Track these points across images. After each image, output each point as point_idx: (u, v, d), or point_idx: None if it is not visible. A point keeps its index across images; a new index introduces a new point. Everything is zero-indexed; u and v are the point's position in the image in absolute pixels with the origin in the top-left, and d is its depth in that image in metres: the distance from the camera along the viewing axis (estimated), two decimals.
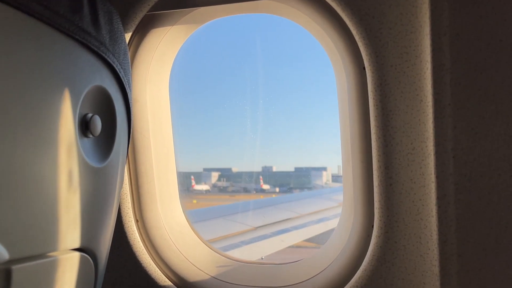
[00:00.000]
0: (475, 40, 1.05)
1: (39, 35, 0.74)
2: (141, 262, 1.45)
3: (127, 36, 1.35)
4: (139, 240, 1.47)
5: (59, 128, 0.78)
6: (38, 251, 0.77)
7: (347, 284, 1.31)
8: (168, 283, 1.46)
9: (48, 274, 0.81)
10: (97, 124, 0.90)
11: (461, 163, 1.09)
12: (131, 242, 1.44)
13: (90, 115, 0.88)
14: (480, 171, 1.08)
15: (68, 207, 0.82)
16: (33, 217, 0.74)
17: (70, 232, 0.84)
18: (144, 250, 1.47)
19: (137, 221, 1.49)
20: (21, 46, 0.69)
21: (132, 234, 1.44)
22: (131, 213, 1.46)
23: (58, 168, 0.78)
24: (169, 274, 1.49)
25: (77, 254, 0.89)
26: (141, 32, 1.39)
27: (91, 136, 0.89)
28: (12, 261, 0.70)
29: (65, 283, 0.85)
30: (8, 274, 0.70)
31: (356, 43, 1.23)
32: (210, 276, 1.50)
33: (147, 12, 1.32)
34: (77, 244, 0.88)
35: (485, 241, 1.10)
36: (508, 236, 1.08)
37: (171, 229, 1.55)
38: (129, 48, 1.38)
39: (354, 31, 1.19)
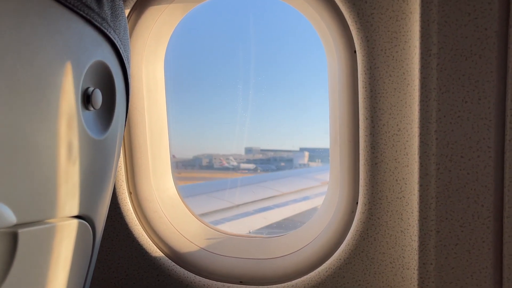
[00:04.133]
0: (461, 28, 1.10)
1: (45, 9, 0.75)
2: (133, 232, 1.49)
3: (126, 13, 1.36)
4: (132, 212, 1.51)
5: (63, 100, 0.81)
6: (42, 217, 0.80)
7: (331, 257, 1.38)
8: (159, 253, 1.51)
9: (51, 238, 0.84)
10: (98, 97, 0.92)
11: (443, 144, 1.14)
12: (124, 214, 1.48)
13: (91, 88, 0.91)
14: (460, 152, 1.14)
15: (69, 176, 0.86)
16: (38, 184, 0.77)
17: (70, 200, 0.88)
18: (137, 221, 1.51)
19: (130, 193, 1.53)
20: (28, 19, 0.71)
21: (125, 205, 1.48)
22: (125, 185, 1.50)
23: (61, 138, 0.81)
24: (160, 244, 1.54)
25: (76, 221, 0.92)
26: (139, 9, 1.40)
27: (92, 109, 0.92)
28: (19, 225, 0.74)
29: (66, 247, 0.89)
30: (15, 237, 0.74)
31: (348, 27, 1.27)
32: (199, 248, 1.55)
33: None
34: (76, 212, 0.91)
35: (462, 218, 1.16)
36: (484, 214, 1.15)
37: (163, 202, 1.59)
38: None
39: (346, 15, 1.23)
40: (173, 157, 1.69)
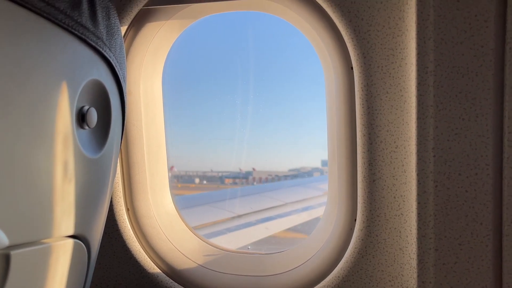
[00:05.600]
0: (457, 46, 1.10)
1: (40, 30, 0.76)
2: (131, 249, 1.49)
3: (123, 30, 1.37)
4: (130, 229, 1.50)
5: (58, 119, 0.81)
6: (35, 238, 0.80)
7: (330, 275, 1.37)
8: (157, 270, 1.50)
9: (44, 259, 0.84)
10: (93, 116, 0.92)
11: (441, 161, 1.14)
12: (122, 230, 1.48)
13: (86, 107, 0.91)
14: (458, 169, 1.13)
15: (64, 196, 0.85)
16: (31, 205, 0.76)
17: (65, 220, 0.87)
18: (134, 238, 1.51)
19: (128, 209, 1.52)
20: (23, 41, 0.71)
21: (122, 222, 1.48)
22: (122, 202, 1.49)
23: (56, 158, 0.81)
24: (158, 261, 1.53)
25: (71, 241, 0.92)
26: (136, 26, 1.41)
27: (87, 127, 0.92)
28: (11, 247, 0.73)
29: (60, 268, 0.89)
30: (7, 259, 0.73)
31: (345, 44, 1.27)
32: (197, 264, 1.54)
33: (143, 6, 1.35)
34: (72, 231, 0.91)
35: (461, 236, 1.15)
36: (483, 232, 1.14)
37: (161, 218, 1.58)
38: (124, 42, 1.41)
39: (343, 32, 1.23)
40: (170, 168, 1.69)
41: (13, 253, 0.74)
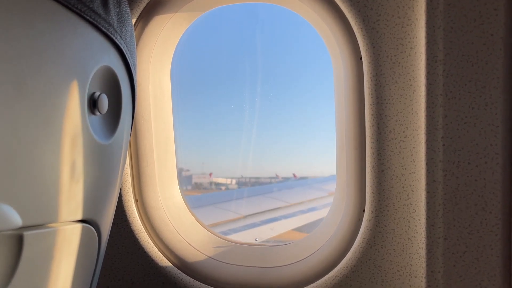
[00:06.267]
0: (467, 34, 1.10)
1: (53, 13, 0.76)
2: (140, 240, 1.49)
3: (132, 21, 1.38)
4: (138, 219, 1.51)
5: (70, 104, 0.82)
6: (47, 220, 0.81)
7: (338, 265, 1.37)
8: (165, 260, 1.51)
9: (55, 241, 0.85)
10: (104, 102, 0.93)
11: (450, 150, 1.13)
12: (130, 221, 1.48)
13: (98, 93, 0.91)
14: (468, 158, 1.13)
15: (76, 180, 0.86)
16: (44, 188, 0.77)
17: (76, 204, 0.88)
18: (143, 228, 1.51)
19: (136, 200, 1.53)
20: (35, 24, 0.72)
21: (131, 213, 1.49)
22: (131, 193, 1.50)
23: (67, 142, 0.82)
24: (166, 252, 1.53)
25: (82, 225, 0.93)
26: (146, 17, 1.42)
27: (98, 113, 0.92)
28: (24, 228, 0.74)
29: (70, 251, 0.89)
30: (20, 239, 0.74)
31: (354, 34, 1.27)
32: (205, 255, 1.55)
33: None
34: (82, 216, 0.92)
35: (470, 225, 1.15)
36: (492, 221, 1.14)
37: (169, 210, 1.59)
38: (134, 32, 1.42)
39: (352, 22, 1.24)
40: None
41: (26, 234, 0.74)
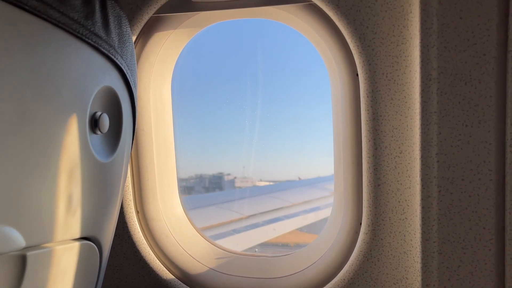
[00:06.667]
0: (460, 54, 1.12)
1: (56, 40, 0.78)
2: (141, 251, 1.51)
3: (133, 38, 1.40)
4: (139, 231, 1.53)
5: (72, 125, 0.84)
6: (49, 239, 0.83)
7: (335, 277, 1.39)
8: (166, 272, 1.53)
9: (58, 260, 0.87)
10: (105, 121, 0.95)
11: (445, 167, 1.15)
12: (132, 232, 1.51)
13: (99, 113, 0.93)
14: (462, 175, 1.15)
15: (78, 198, 0.88)
16: (46, 207, 0.79)
17: (78, 222, 0.90)
18: (144, 240, 1.54)
19: (137, 212, 1.55)
20: (39, 50, 0.73)
21: (132, 224, 1.51)
22: (132, 205, 1.52)
23: (69, 161, 0.84)
24: (167, 263, 1.56)
25: (84, 243, 0.95)
26: (146, 34, 1.44)
27: (99, 133, 0.95)
28: (27, 248, 0.76)
29: (73, 268, 0.92)
30: (24, 260, 0.76)
31: (351, 51, 1.30)
32: (205, 266, 1.57)
33: (153, 14, 1.38)
34: (84, 233, 0.94)
35: (464, 240, 1.17)
36: (485, 236, 1.16)
37: (170, 222, 1.61)
38: (135, 49, 1.44)
39: (349, 40, 1.26)
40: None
41: (29, 254, 0.76)
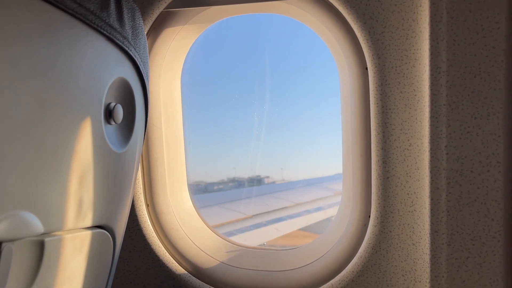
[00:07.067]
0: (470, 46, 1.13)
1: (72, 30, 0.79)
2: (150, 244, 1.53)
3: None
4: (149, 224, 1.55)
5: (88, 115, 0.85)
6: (66, 226, 0.84)
7: (344, 270, 1.40)
8: (176, 264, 1.54)
9: (73, 246, 0.88)
10: (120, 112, 0.97)
11: (454, 159, 1.16)
12: (142, 225, 1.52)
13: (113, 104, 0.95)
14: (471, 167, 1.16)
15: (93, 187, 0.90)
16: (63, 195, 0.81)
17: (93, 210, 0.92)
18: (154, 233, 1.55)
19: (147, 205, 1.57)
20: (56, 40, 0.75)
21: (143, 217, 1.53)
22: (142, 198, 1.54)
23: (85, 151, 0.85)
24: (177, 256, 1.57)
25: (98, 231, 0.96)
26: (157, 28, 1.46)
27: (113, 123, 0.96)
28: (45, 234, 0.78)
29: (87, 256, 0.93)
30: (42, 245, 0.78)
31: (360, 45, 1.31)
32: (214, 259, 1.58)
33: (164, 9, 1.40)
34: (99, 222, 0.95)
35: (473, 232, 1.18)
36: (494, 227, 1.17)
37: (180, 216, 1.63)
38: None
39: (358, 33, 1.27)
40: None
41: (46, 240, 0.78)
